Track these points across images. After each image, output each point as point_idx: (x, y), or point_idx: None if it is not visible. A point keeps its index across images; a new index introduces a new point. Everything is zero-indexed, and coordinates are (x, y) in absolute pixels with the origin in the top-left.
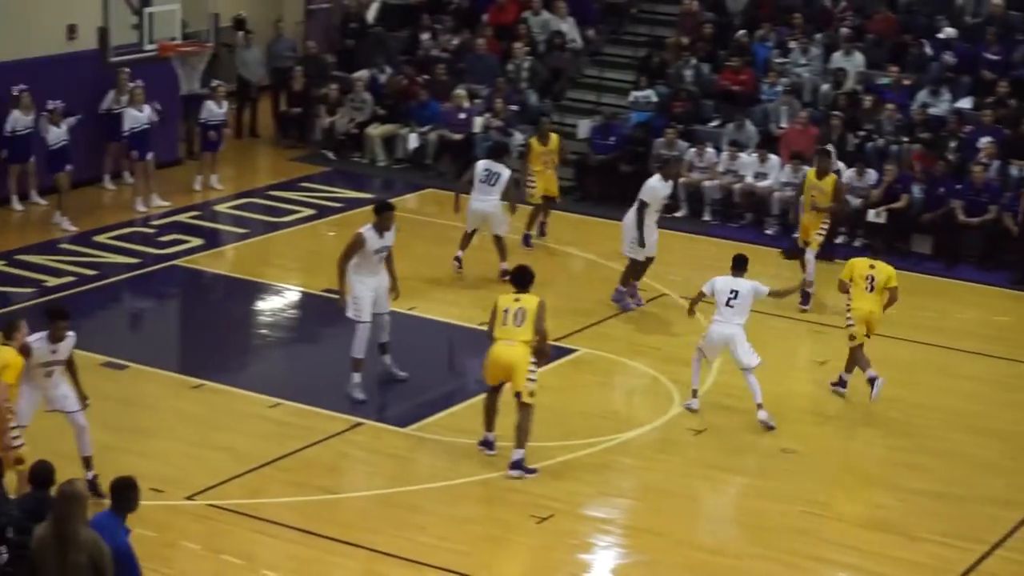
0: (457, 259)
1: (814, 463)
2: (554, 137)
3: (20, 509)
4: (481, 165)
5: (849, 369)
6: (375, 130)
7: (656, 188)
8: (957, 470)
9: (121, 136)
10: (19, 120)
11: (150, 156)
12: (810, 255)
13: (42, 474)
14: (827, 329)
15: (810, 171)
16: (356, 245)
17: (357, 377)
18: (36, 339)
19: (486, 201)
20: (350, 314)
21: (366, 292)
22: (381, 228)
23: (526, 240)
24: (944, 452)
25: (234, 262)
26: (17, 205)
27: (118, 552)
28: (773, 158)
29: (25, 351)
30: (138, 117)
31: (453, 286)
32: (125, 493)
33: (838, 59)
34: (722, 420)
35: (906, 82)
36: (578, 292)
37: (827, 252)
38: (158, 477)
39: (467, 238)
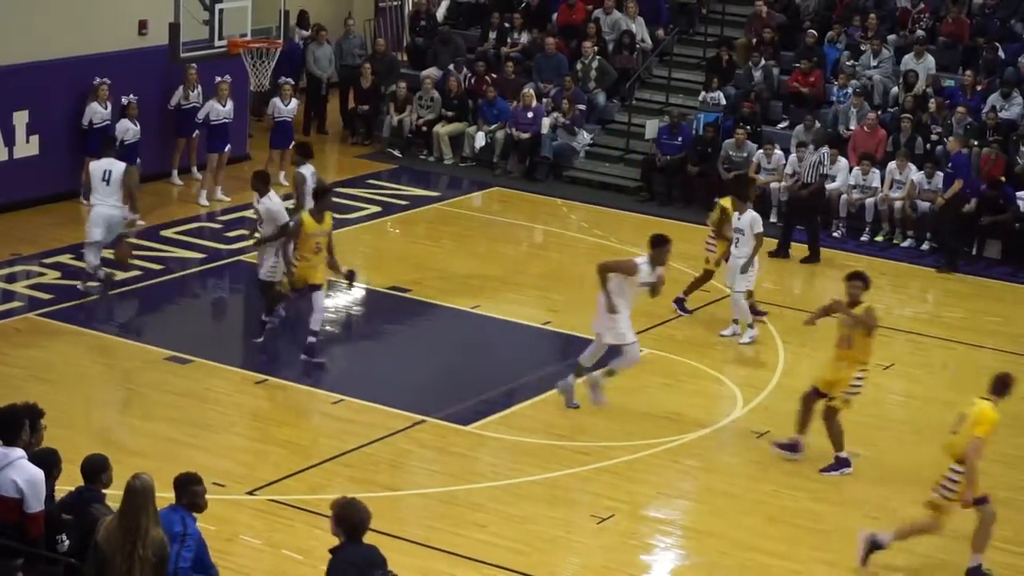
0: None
1: (877, 467)
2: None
3: (61, 505)
4: None
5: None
6: (442, 128)
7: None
8: (1021, 476)
9: (197, 126)
10: (97, 112)
11: (227, 149)
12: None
13: (92, 467)
14: (892, 333)
15: None
16: (626, 269)
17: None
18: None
19: None
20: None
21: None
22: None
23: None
24: (1008, 458)
25: None
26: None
27: (191, 537)
28: (842, 160)
29: None
30: (220, 111)
31: (516, 285)
32: (187, 487)
33: (909, 62)
34: (785, 423)
35: (978, 87)
36: (642, 293)
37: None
38: (220, 471)
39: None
